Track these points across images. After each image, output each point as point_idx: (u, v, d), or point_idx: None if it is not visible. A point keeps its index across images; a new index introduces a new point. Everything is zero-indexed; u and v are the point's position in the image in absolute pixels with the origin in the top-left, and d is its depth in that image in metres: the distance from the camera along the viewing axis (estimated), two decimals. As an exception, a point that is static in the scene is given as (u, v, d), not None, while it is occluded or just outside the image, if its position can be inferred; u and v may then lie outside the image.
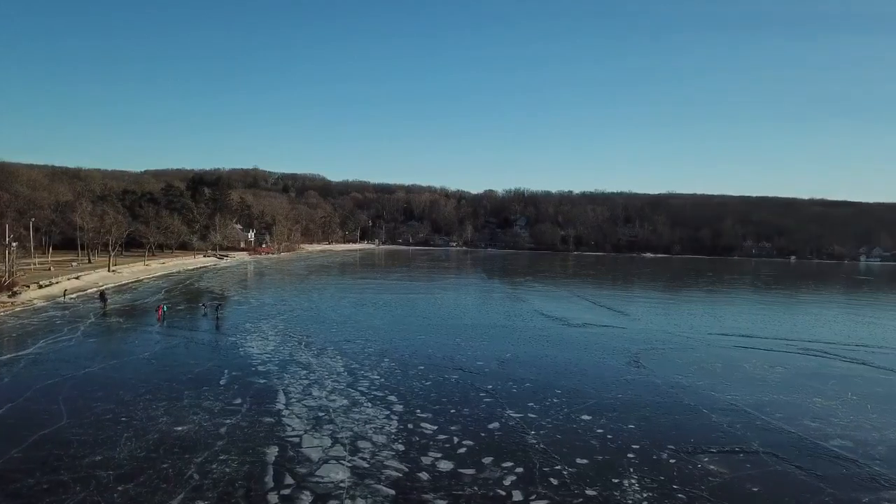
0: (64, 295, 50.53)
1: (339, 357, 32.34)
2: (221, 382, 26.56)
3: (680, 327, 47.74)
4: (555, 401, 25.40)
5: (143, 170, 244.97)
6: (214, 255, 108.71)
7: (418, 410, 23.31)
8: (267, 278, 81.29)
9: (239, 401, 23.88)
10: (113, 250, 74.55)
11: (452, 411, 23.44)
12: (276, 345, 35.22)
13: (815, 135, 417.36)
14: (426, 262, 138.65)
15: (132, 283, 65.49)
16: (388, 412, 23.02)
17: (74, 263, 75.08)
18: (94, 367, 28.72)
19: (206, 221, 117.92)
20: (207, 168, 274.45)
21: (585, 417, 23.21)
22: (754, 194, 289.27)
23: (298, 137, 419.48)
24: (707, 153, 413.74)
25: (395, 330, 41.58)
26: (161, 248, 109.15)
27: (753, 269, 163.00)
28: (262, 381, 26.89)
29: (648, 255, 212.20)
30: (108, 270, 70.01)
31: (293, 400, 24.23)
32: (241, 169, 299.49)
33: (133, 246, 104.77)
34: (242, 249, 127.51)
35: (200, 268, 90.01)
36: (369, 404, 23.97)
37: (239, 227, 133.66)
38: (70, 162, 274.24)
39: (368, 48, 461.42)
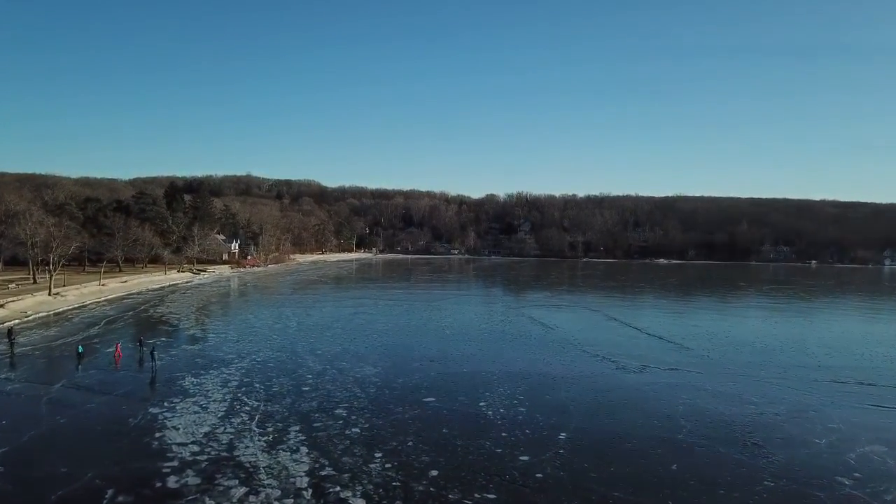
0: (-39, 333, 38.82)
1: (303, 449, 20.83)
2: (86, 528, 15.01)
3: (768, 369, 36.16)
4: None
5: (132, 177, 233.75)
6: (190, 270, 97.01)
7: None
8: (242, 300, 69.57)
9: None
10: (57, 267, 62.99)
11: None
12: (216, 421, 23.67)
13: (823, 133, 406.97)
14: (427, 273, 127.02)
15: (73, 309, 53.87)
16: None
17: (12, 285, 63.47)
18: None
19: (184, 232, 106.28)
20: (199, 175, 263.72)
21: None
22: (763, 195, 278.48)
23: (294, 142, 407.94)
24: (712, 154, 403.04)
25: (393, 386, 29.92)
26: (133, 263, 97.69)
27: (774, 274, 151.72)
28: (159, 524, 15.35)
29: (662, 260, 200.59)
30: (49, 294, 58.38)
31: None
32: (234, 175, 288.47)
33: (101, 261, 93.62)
34: (225, 262, 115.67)
35: (169, 286, 78.27)
36: None
37: (221, 237, 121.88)
38: (59, 171, 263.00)
39: (365, 51, 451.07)
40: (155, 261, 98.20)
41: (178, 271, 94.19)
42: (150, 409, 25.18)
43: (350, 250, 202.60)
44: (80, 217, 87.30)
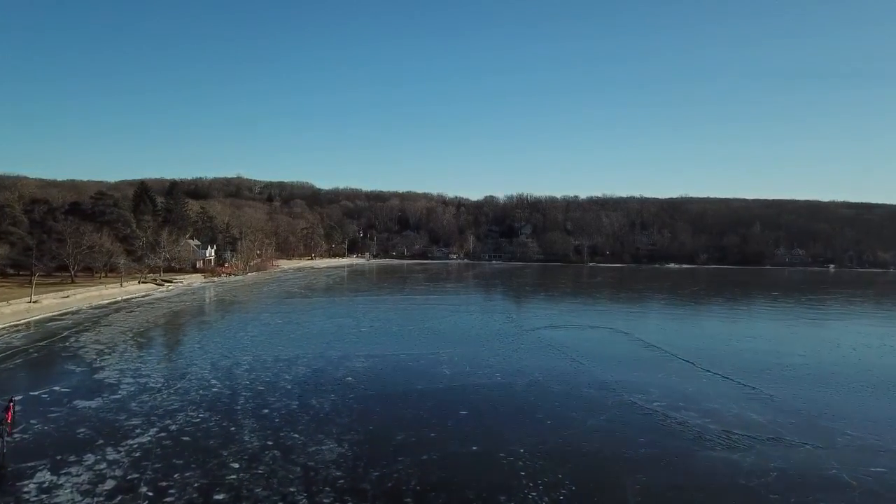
0: None
1: None
2: None
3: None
4: None
5: (118, 180, 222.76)
6: (153, 281, 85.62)
7: None
8: (197, 320, 58.08)
9: None
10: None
11: None
12: None
13: (829, 132, 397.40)
14: (424, 281, 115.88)
15: (-27, 338, 42.62)
16: None
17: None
18: None
19: (152, 238, 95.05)
20: (189, 177, 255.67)
21: None
22: (769, 196, 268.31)
23: (288, 143, 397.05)
24: (716, 154, 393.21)
25: (361, 488, 18.77)
26: (92, 273, 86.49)
27: (797, 280, 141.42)
28: None
29: (672, 265, 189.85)
30: (-47, 316, 47.15)
31: None
32: (224, 178, 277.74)
33: (60, 269, 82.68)
34: (198, 270, 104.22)
35: (120, 301, 67.04)
36: None
37: (196, 243, 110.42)
38: (44, 173, 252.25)
39: (360, 52, 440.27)
40: (115, 270, 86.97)
41: (140, 282, 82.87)
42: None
43: (341, 255, 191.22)
44: (24, 221, 76.07)
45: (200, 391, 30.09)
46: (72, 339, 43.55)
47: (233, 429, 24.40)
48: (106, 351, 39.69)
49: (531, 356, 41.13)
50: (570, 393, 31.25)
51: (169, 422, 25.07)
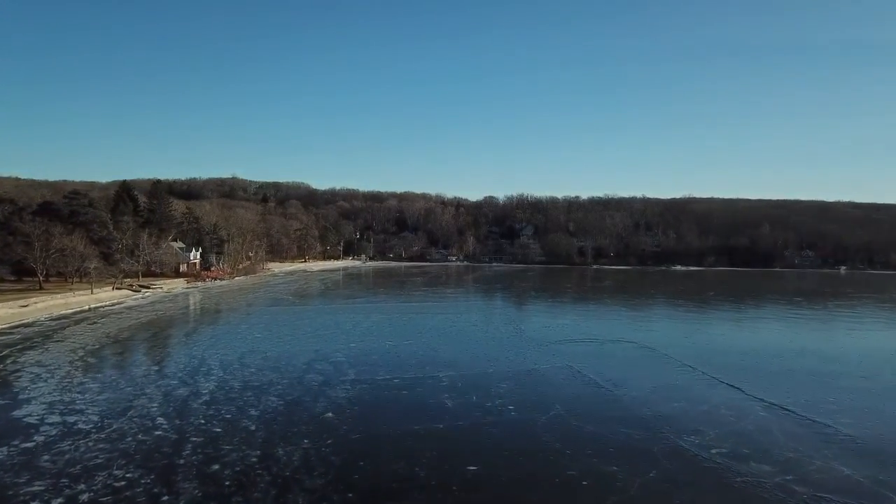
0: None
1: None
2: None
3: None
4: None
5: (111, 180, 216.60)
6: (130, 287, 79.25)
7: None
8: (167, 333, 51.56)
9: None
10: None
11: None
12: None
13: (833, 132, 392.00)
14: (422, 286, 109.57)
15: None
16: None
17: None
18: None
19: (130, 240, 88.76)
20: (183, 178, 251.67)
21: None
22: (772, 196, 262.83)
23: (283, 144, 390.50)
24: (719, 153, 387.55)
25: None
26: (65, 278, 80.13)
27: (811, 283, 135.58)
28: None
29: (679, 267, 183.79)
30: None
31: None
32: (219, 178, 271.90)
33: (29, 274, 76.83)
34: (181, 275, 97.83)
35: (86, 311, 60.77)
36: None
37: (179, 245, 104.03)
38: (37, 174, 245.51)
39: (359, 52, 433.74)
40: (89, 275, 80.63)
41: (114, 288, 76.50)
42: None
43: (336, 257, 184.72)
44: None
45: (139, 435, 23.87)
46: (9, 360, 37.23)
47: (165, 498, 18.21)
48: (44, 376, 33.40)
49: (548, 381, 34.92)
50: (603, 435, 25.03)
51: (82, 487, 18.87)
